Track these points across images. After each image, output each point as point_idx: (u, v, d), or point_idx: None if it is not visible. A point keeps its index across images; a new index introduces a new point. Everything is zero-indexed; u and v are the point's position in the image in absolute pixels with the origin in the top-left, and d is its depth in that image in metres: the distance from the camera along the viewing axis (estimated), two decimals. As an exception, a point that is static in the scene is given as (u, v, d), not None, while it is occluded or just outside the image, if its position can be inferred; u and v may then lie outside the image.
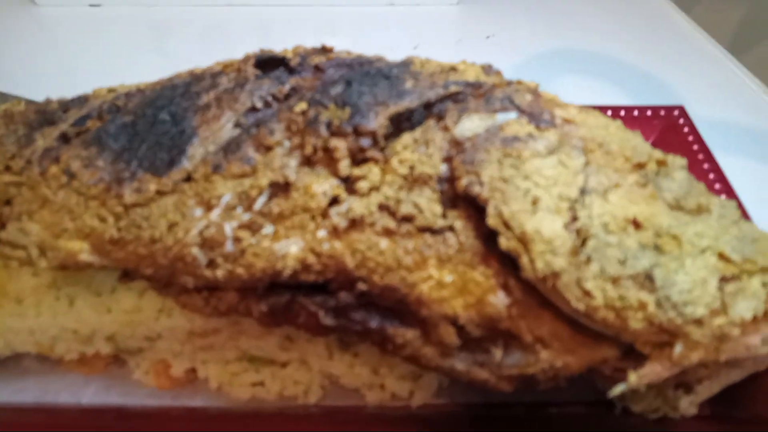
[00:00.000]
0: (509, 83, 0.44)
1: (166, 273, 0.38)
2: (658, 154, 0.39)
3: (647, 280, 0.32)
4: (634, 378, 0.32)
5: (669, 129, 0.60)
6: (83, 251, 0.39)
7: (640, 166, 0.38)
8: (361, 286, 0.36)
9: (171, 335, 0.43)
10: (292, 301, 0.37)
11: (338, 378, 0.44)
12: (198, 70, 0.47)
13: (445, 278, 0.35)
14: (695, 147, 0.58)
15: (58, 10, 0.97)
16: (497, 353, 0.35)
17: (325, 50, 0.49)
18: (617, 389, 0.33)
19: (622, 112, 0.62)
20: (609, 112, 0.62)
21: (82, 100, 0.47)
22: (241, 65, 0.46)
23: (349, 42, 0.95)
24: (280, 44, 1.01)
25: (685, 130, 0.60)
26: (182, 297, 0.40)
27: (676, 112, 0.62)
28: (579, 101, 0.64)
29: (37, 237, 0.39)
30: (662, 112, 0.62)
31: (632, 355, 0.34)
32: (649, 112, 0.62)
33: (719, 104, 0.75)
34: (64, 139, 0.44)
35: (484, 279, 0.35)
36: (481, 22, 0.92)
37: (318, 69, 0.46)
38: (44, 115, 0.46)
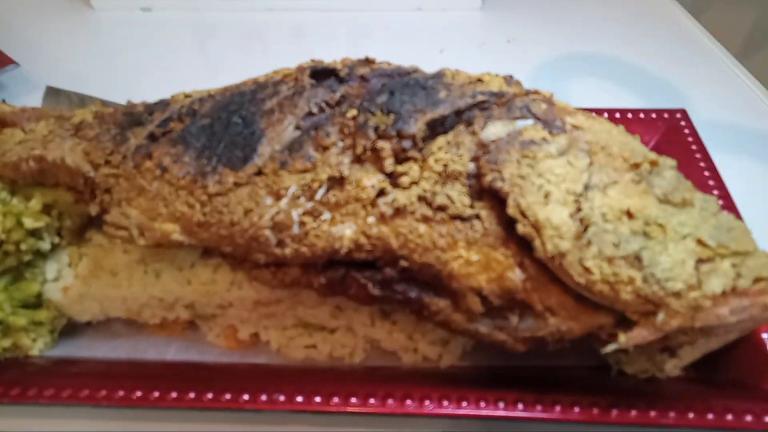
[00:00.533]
0: (527, 92, 0.51)
1: (242, 251, 0.47)
2: (652, 155, 0.47)
3: (636, 260, 0.40)
4: (623, 339, 0.40)
5: (671, 131, 0.67)
6: (175, 232, 0.47)
7: (636, 166, 0.45)
8: (403, 263, 0.44)
9: (240, 304, 0.51)
10: (346, 275, 0.46)
11: (379, 342, 0.52)
12: (261, 79, 0.55)
13: (472, 257, 0.43)
14: (694, 148, 0.65)
15: (113, 14, 1.06)
16: (513, 319, 0.43)
17: (368, 61, 0.57)
18: (609, 347, 0.41)
19: (629, 114, 0.69)
20: (617, 114, 0.69)
21: (164, 104, 0.55)
22: (298, 75, 0.54)
23: (380, 44, 1.02)
24: (315, 47, 1.10)
25: (686, 132, 0.67)
26: (253, 271, 0.48)
27: (678, 115, 0.68)
28: (591, 103, 0.72)
29: (137, 220, 0.48)
30: (665, 115, 0.69)
31: (623, 322, 0.42)
32: (653, 115, 0.69)
33: (722, 107, 0.81)
34: (152, 138, 0.52)
35: (504, 258, 0.42)
36: (503, 27, 0.99)
37: (363, 79, 0.54)
38: (132, 116, 0.54)
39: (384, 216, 0.44)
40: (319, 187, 0.46)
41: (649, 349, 0.48)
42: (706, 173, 0.62)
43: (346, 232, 0.45)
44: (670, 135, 0.67)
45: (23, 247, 0.52)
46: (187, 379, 0.48)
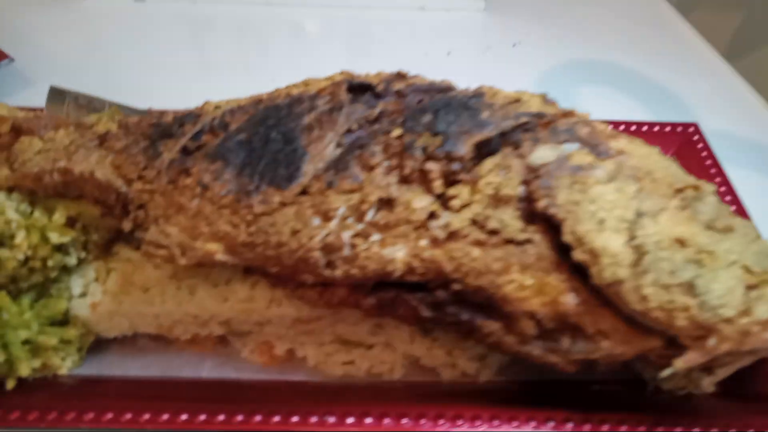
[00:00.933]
0: (564, 113, 0.52)
1: (289, 272, 0.46)
2: (691, 179, 0.48)
3: (690, 287, 0.41)
4: (679, 363, 0.41)
5: (685, 145, 0.69)
6: (219, 252, 0.46)
7: (679, 191, 0.46)
8: (456, 286, 0.44)
9: (279, 321, 0.51)
10: (396, 296, 0.45)
11: (418, 359, 0.52)
12: (294, 92, 0.54)
13: (526, 281, 0.43)
14: (709, 163, 0.67)
15: (105, 6, 1.02)
16: (565, 342, 0.44)
17: (401, 76, 0.56)
18: (667, 371, 0.42)
19: (644, 128, 0.71)
20: (632, 128, 0.70)
21: (194, 116, 0.53)
22: (334, 89, 0.53)
23: (382, 44, 1.01)
24: (314, 45, 1.08)
25: (700, 146, 0.68)
26: (298, 291, 0.48)
27: (691, 129, 0.70)
28: (600, 112, 0.72)
29: (177, 239, 0.47)
30: (679, 129, 0.70)
31: (672, 345, 0.43)
32: (667, 129, 0.71)
33: (724, 117, 0.84)
34: (186, 151, 0.51)
35: (558, 283, 0.43)
36: (508, 29, 0.99)
37: (399, 94, 0.53)
38: (161, 128, 0.53)
39: (437, 239, 0.44)
40: (369, 208, 0.46)
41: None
42: (722, 189, 0.64)
43: (397, 254, 0.44)
44: (685, 149, 0.69)
45: (50, 263, 0.50)
46: (221, 400, 0.48)
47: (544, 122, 0.50)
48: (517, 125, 0.49)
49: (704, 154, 0.68)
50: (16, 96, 0.79)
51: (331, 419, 0.46)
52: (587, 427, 0.45)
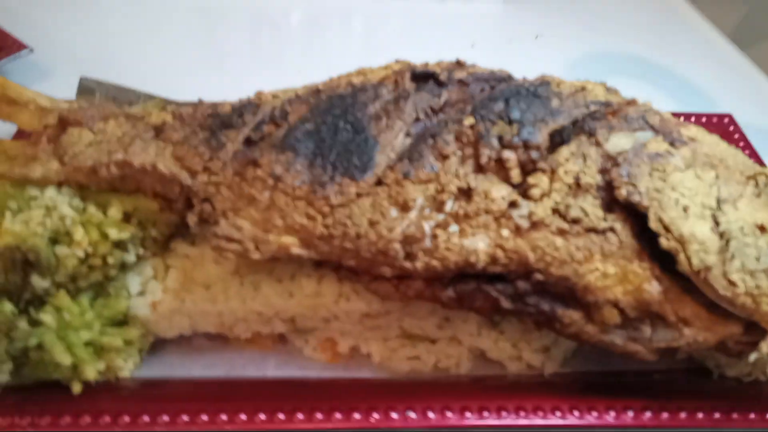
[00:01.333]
0: (628, 102, 0.52)
1: (366, 264, 0.45)
2: (758, 167, 0.48)
3: (776, 272, 0.41)
4: (765, 348, 0.42)
5: (722, 136, 0.69)
6: (294, 245, 0.45)
7: (751, 178, 0.47)
8: (538, 277, 0.44)
9: (346, 317, 0.50)
10: (476, 288, 0.45)
11: (485, 351, 0.52)
12: (355, 80, 0.53)
13: (609, 270, 0.43)
14: (747, 153, 0.67)
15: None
16: (647, 330, 0.44)
17: (459, 64, 0.55)
18: (753, 356, 0.42)
19: (680, 119, 0.71)
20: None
21: (253, 106, 0.52)
22: (397, 78, 0.52)
23: (400, 36, 1.01)
24: (329, 36, 1.06)
25: (736, 136, 0.69)
26: (373, 284, 0.47)
27: (726, 120, 0.71)
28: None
29: (250, 232, 0.45)
30: (714, 120, 0.71)
31: (750, 331, 0.44)
32: (703, 119, 0.71)
33: (750, 107, 0.85)
34: (249, 142, 0.49)
35: (641, 271, 0.43)
36: (528, 22, 0.99)
37: (462, 83, 0.53)
38: (220, 118, 0.51)
39: (520, 229, 0.44)
40: (448, 198, 0.45)
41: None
42: (764, 177, 0.65)
43: (479, 245, 0.44)
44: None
45: (110, 260, 0.48)
46: (290, 398, 0.47)
47: (612, 111, 0.50)
48: (588, 114, 0.49)
49: (741, 144, 0.69)
50: (36, 87, 0.75)
51: (395, 415, 0.45)
52: (664, 415, 0.46)
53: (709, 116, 0.72)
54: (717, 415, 0.45)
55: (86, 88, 0.67)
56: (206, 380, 0.50)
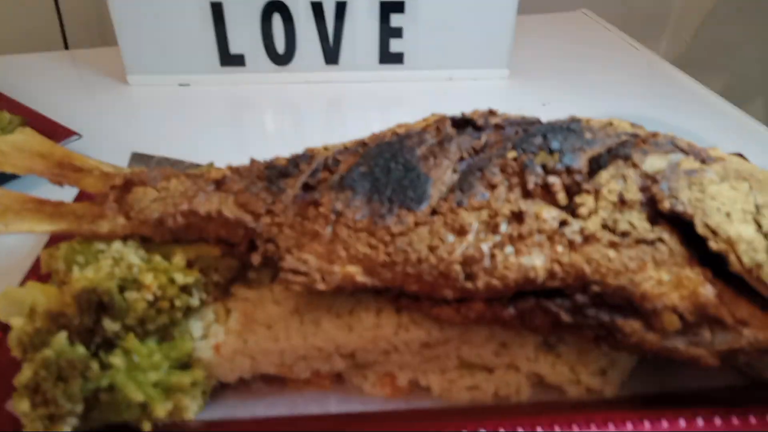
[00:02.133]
0: (653, 134, 0.56)
1: (428, 288, 0.47)
2: (786, 182, 0.52)
3: (823, 267, 0.43)
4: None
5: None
6: (358, 273, 0.47)
7: (780, 190, 0.50)
8: (595, 288, 0.45)
9: (406, 348, 0.51)
10: (536, 304, 0.46)
11: (543, 377, 0.52)
12: (399, 130, 0.57)
13: (663, 277, 0.45)
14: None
15: (150, 90, 1.06)
16: (706, 334, 0.45)
17: (492, 113, 0.60)
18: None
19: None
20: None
21: (307, 157, 0.56)
22: (439, 125, 0.56)
23: (416, 114, 1.07)
24: (348, 117, 1.13)
25: (750, 172, 0.73)
26: (435, 309, 0.48)
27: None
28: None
29: (316, 264, 0.47)
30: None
31: (807, 330, 0.45)
32: (716, 159, 0.76)
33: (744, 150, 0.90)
34: (307, 187, 0.53)
35: (694, 276, 0.45)
36: (534, 92, 1.07)
37: (498, 127, 0.57)
38: (277, 169, 0.55)
39: (573, 244, 0.46)
40: (502, 221, 0.48)
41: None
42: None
43: (536, 262, 0.46)
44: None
45: (177, 303, 0.49)
46: (351, 426, 0.47)
47: (641, 140, 0.54)
48: (620, 142, 0.52)
49: (757, 178, 0.72)
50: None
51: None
52: (734, 420, 0.46)
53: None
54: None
55: (138, 161, 0.72)
56: (270, 418, 0.50)
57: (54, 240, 0.63)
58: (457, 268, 0.46)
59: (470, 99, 1.07)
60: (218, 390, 0.53)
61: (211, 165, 0.63)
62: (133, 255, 0.51)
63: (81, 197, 0.64)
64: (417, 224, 0.48)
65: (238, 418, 0.50)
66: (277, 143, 0.99)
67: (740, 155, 0.75)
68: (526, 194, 0.50)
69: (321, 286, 0.47)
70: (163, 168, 0.58)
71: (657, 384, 0.53)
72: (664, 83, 1.13)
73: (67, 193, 0.62)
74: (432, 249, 0.47)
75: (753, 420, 0.45)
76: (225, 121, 1.03)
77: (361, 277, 0.47)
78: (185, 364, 0.50)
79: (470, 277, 0.46)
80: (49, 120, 0.83)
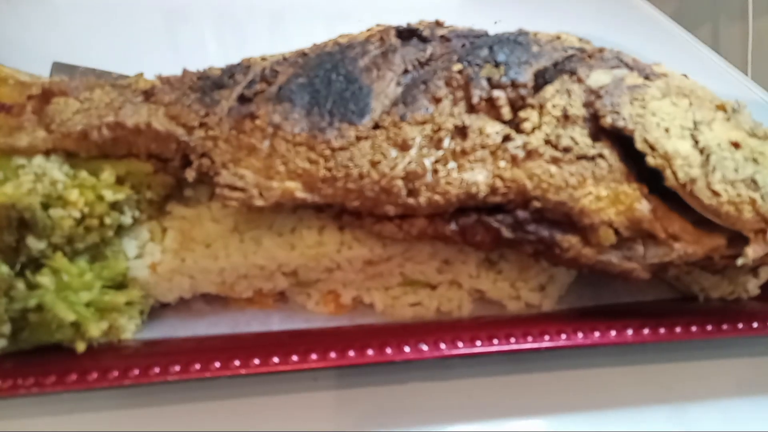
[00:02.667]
0: (600, 49, 0.55)
1: (370, 204, 0.46)
2: (726, 100, 0.52)
3: (753, 182, 0.45)
4: (750, 252, 0.45)
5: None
6: (297, 189, 0.46)
7: (720, 107, 0.50)
8: (536, 204, 0.46)
9: (349, 265, 0.50)
10: (478, 220, 0.46)
11: (484, 293, 0.53)
12: (341, 40, 0.54)
13: (602, 193, 0.45)
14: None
15: (74, -2, 0.98)
16: (639, 248, 0.46)
17: (438, 24, 0.58)
18: (740, 260, 0.45)
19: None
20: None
21: (243, 67, 0.53)
22: (383, 35, 0.54)
23: (363, 27, 1.03)
24: (293, 32, 1.08)
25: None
26: (377, 226, 0.48)
27: (681, 80, 0.76)
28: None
29: (253, 180, 0.46)
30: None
31: (733, 244, 0.47)
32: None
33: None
34: (243, 99, 0.50)
35: (631, 191, 0.46)
36: (485, 10, 1.04)
37: (444, 38, 0.55)
38: (211, 80, 0.52)
39: (516, 159, 0.46)
40: (445, 136, 0.47)
41: (731, 272, 0.53)
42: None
43: (478, 177, 0.46)
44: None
45: (107, 221, 0.47)
46: (295, 344, 0.46)
47: (588, 54, 0.53)
48: (567, 56, 0.51)
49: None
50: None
51: (407, 349, 0.46)
52: (661, 330, 0.48)
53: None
54: (709, 327, 0.48)
55: (61, 72, 0.66)
56: (211, 336, 0.49)
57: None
58: (399, 183, 0.45)
59: (420, 13, 1.03)
60: (158, 310, 0.52)
61: (140, 76, 0.59)
62: (56, 171, 0.48)
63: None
64: (359, 138, 0.46)
65: (178, 336, 0.49)
66: (216, 58, 0.94)
67: (685, 77, 0.76)
68: (471, 109, 0.49)
69: (259, 202, 0.46)
70: (85, 78, 0.54)
71: (592, 299, 0.55)
72: (617, 4, 1.12)
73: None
74: (374, 164, 0.46)
75: (678, 329, 0.48)
76: (158, 32, 0.96)
77: (300, 193, 0.46)
78: (121, 284, 0.48)
79: (412, 192, 0.46)
80: (-40, 27, 0.76)
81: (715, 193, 0.44)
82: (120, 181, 0.50)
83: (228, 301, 0.53)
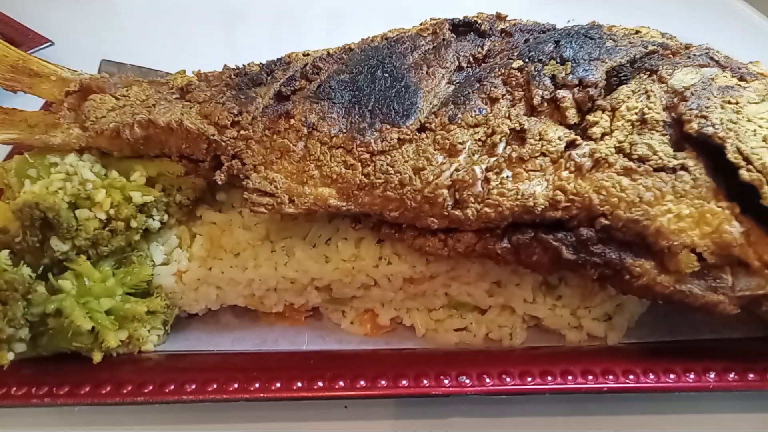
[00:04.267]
0: (687, 45, 0.48)
1: (411, 216, 0.41)
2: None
3: None
4: None
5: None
6: (331, 197, 0.41)
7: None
8: (604, 221, 0.39)
9: (387, 283, 0.45)
10: (534, 237, 0.40)
11: (541, 320, 0.47)
12: (390, 34, 0.50)
13: (683, 211, 0.38)
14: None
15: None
16: (727, 278, 0.39)
17: (499, 17, 0.52)
18: None
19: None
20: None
21: (283, 63, 0.49)
22: (436, 28, 0.49)
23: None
24: (351, 30, 1.04)
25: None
26: (418, 240, 0.42)
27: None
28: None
29: (283, 184, 0.42)
30: None
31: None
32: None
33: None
34: (280, 97, 0.46)
35: (720, 210, 0.38)
36: (558, 9, 0.97)
37: (505, 33, 0.49)
38: (248, 76, 0.48)
39: (581, 169, 0.40)
40: (500, 141, 0.41)
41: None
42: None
43: (536, 188, 0.40)
44: None
45: (134, 224, 0.44)
46: (323, 368, 0.42)
47: (671, 51, 0.46)
48: (647, 53, 0.45)
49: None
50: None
51: (447, 381, 0.40)
52: (750, 375, 0.40)
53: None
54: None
55: (108, 69, 0.65)
56: (236, 353, 0.46)
57: (16, 154, 0.58)
58: (445, 192, 0.40)
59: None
60: (184, 321, 0.48)
61: (181, 72, 0.57)
62: (87, 170, 0.46)
63: (46, 108, 0.58)
64: (402, 141, 0.42)
65: (201, 351, 0.46)
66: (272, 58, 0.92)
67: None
68: (531, 110, 0.43)
69: (289, 210, 0.42)
70: (125, 74, 0.52)
71: (668, 333, 0.48)
72: (706, 1, 1.02)
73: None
74: (417, 171, 0.41)
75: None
76: (212, 31, 0.95)
77: (334, 201, 0.41)
78: (145, 291, 0.46)
79: (459, 203, 0.40)
80: (22, 26, 0.77)
81: (828, 217, 0.36)
82: (151, 182, 0.47)
83: (258, 316, 0.49)
